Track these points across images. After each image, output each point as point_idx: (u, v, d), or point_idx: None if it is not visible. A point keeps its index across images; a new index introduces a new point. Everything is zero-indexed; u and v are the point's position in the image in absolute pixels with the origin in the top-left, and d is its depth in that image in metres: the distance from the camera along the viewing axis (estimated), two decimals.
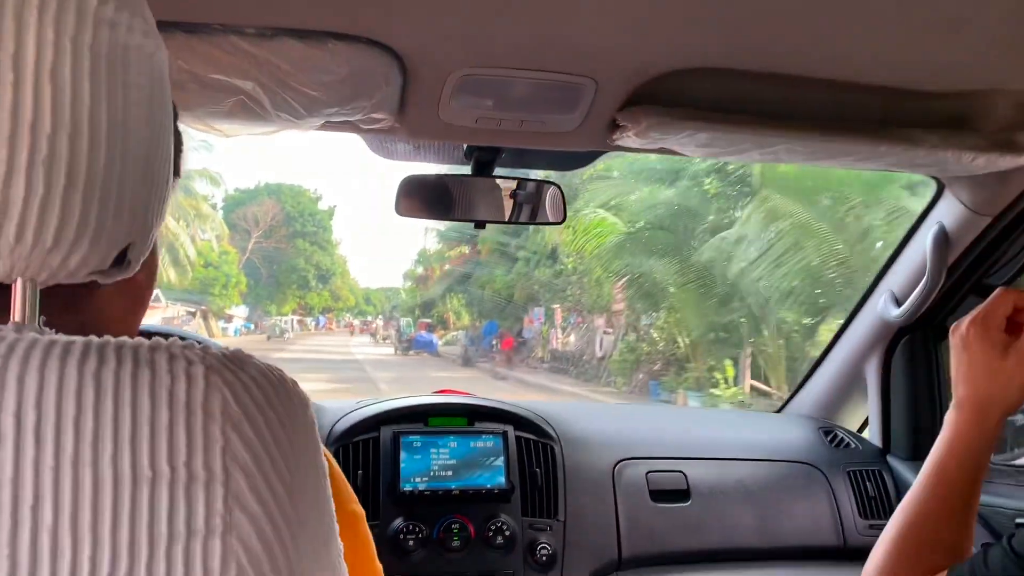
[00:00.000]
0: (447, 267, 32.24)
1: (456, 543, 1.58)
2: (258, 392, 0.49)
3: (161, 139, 0.51)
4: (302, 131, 1.23)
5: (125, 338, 0.48)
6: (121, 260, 0.50)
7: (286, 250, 43.53)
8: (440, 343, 30.59)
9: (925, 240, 1.74)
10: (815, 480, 1.90)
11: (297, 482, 0.49)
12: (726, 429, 2.09)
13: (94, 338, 0.47)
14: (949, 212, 1.70)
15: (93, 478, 0.43)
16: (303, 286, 45.25)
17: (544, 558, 1.62)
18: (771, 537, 1.81)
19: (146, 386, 0.45)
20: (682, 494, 1.80)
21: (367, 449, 1.65)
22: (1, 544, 0.41)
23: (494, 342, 25.87)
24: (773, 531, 1.81)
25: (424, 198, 1.48)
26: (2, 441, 0.42)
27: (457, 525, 1.59)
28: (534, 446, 1.74)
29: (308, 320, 48.78)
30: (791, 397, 2.34)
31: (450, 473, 1.66)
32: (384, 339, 37.80)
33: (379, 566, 0.77)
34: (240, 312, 38.81)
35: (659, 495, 1.79)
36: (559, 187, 1.55)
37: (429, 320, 34.16)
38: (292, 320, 44.74)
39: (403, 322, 33.30)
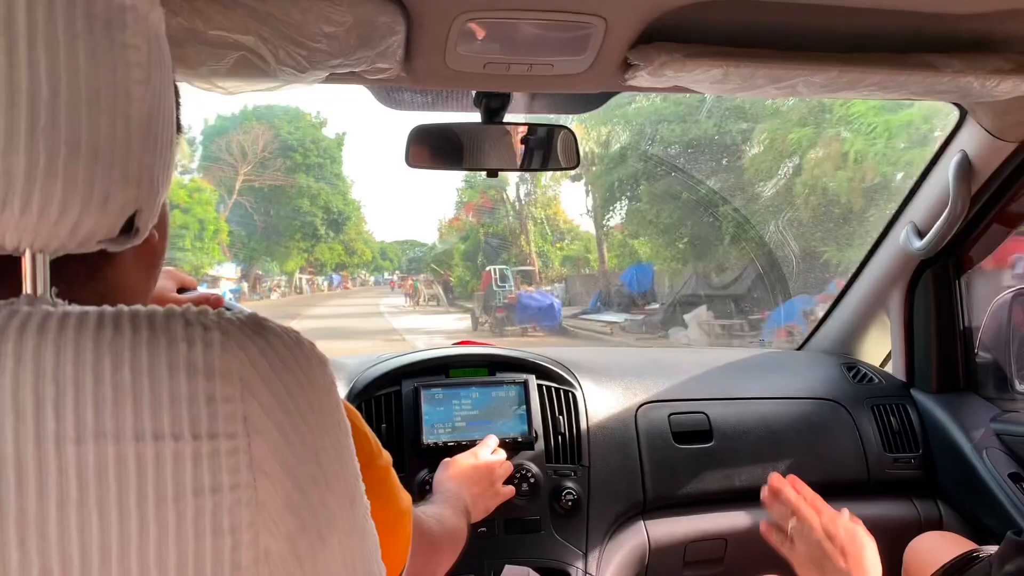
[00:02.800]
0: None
1: None
2: (275, 355, 0.48)
3: (163, 100, 0.50)
4: (307, 85, 1.20)
5: (139, 307, 0.47)
6: (129, 228, 0.49)
7: (285, 189, 33.18)
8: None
9: (947, 169, 1.70)
10: (839, 416, 1.90)
11: (319, 443, 0.49)
12: (747, 369, 2.09)
13: (108, 308, 0.47)
14: (972, 139, 1.66)
15: (116, 448, 0.43)
16: (310, 235, 35.10)
17: (570, 503, 1.63)
18: (797, 474, 1.80)
19: (163, 354, 0.45)
20: (705, 435, 1.81)
21: (389, 403, 1.66)
22: (28, 517, 0.41)
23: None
24: (798, 468, 1.81)
25: (434, 148, 1.46)
26: (22, 415, 0.42)
27: None
28: (556, 393, 1.74)
29: (319, 279, 39.85)
30: (812, 333, 2.33)
31: (473, 424, 1.66)
32: (429, 300, 30.34)
33: (409, 519, 0.78)
34: (227, 272, 29.26)
35: (682, 437, 1.79)
36: (571, 131, 1.52)
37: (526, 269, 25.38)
38: (301, 280, 37.08)
39: (496, 273, 21.62)
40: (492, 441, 1.54)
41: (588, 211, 23.55)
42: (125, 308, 0.47)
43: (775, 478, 1.27)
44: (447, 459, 1.46)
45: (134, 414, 0.43)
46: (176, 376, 0.44)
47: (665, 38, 1.20)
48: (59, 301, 0.49)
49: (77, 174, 0.44)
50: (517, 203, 26.82)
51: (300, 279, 37.27)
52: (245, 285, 30.50)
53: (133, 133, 0.47)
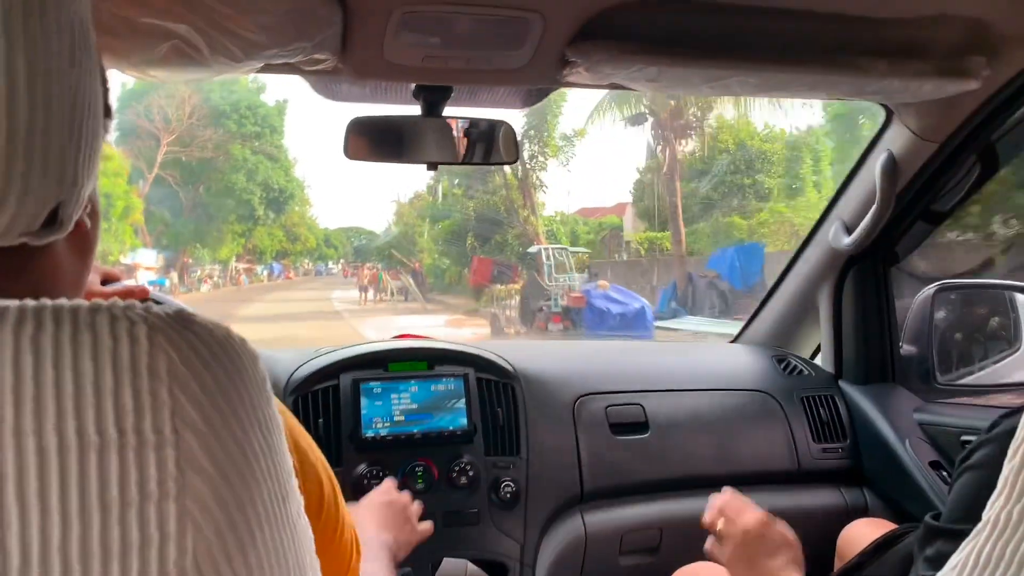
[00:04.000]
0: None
1: (420, 485, 1.59)
2: (204, 350, 0.47)
3: (87, 89, 0.48)
4: (240, 74, 1.18)
5: (63, 301, 0.46)
6: (52, 220, 0.47)
7: (217, 162, 27.65)
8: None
9: (874, 168, 1.76)
10: (770, 407, 1.95)
11: (250, 439, 0.48)
12: (682, 361, 2.13)
13: (30, 302, 0.45)
14: (898, 139, 1.72)
15: (37, 446, 0.42)
16: (247, 217, 29.42)
17: (508, 495, 1.65)
18: (729, 464, 1.85)
19: (88, 349, 0.44)
20: (641, 426, 1.84)
21: (327, 397, 1.64)
22: None
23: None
24: (730, 458, 1.86)
25: (374, 140, 1.45)
26: None
27: (421, 468, 1.60)
28: (495, 386, 1.75)
29: (259, 269, 34.82)
30: (745, 327, 2.38)
31: (412, 417, 1.66)
32: (397, 293, 25.96)
33: (347, 517, 0.77)
34: (145, 259, 24.61)
35: (619, 428, 1.82)
36: (510, 125, 1.53)
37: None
38: (238, 268, 32.05)
39: (551, 259, 15.32)
40: (389, 483, 1.42)
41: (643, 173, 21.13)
42: (48, 302, 0.46)
43: (713, 497, 1.31)
44: (358, 502, 1.36)
45: (57, 411, 0.42)
46: (101, 372, 0.43)
47: (603, 35, 1.21)
48: None
49: (4, 167, 0.43)
50: (519, 168, 21.58)
51: (236, 268, 32.14)
52: (174, 275, 26.39)
53: (53, 122, 0.45)
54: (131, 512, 0.43)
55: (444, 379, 1.71)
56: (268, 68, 1.18)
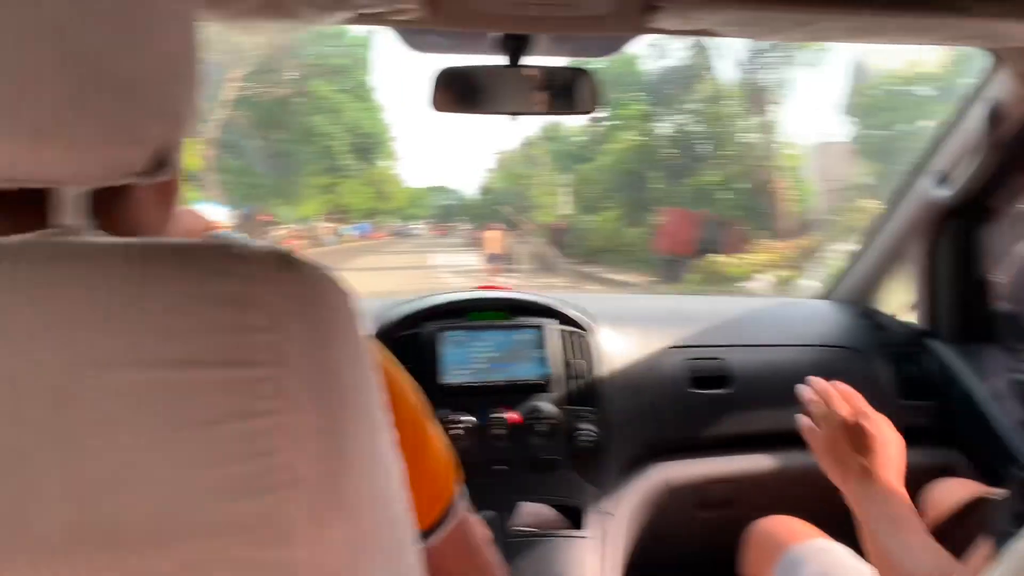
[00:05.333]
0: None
1: (501, 432, 1.62)
2: (305, 288, 0.50)
3: (190, 37, 0.50)
4: (330, 25, 1.20)
5: (172, 238, 0.49)
6: (158, 162, 0.50)
7: (294, 102, 23.02)
8: None
9: (975, 117, 1.68)
10: (857, 364, 1.91)
11: (346, 373, 0.51)
12: (767, 317, 2.10)
13: (140, 239, 0.48)
14: (1003, 87, 1.63)
15: (149, 374, 0.44)
16: (330, 168, 25.23)
17: (587, 444, 1.66)
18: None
19: (195, 284, 0.46)
20: (723, 380, 1.82)
21: (409, 344, 1.68)
22: (65, 439, 0.43)
23: None
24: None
25: (459, 91, 1.45)
26: (57, 341, 0.44)
27: (501, 415, 1.64)
28: (574, 337, 1.76)
29: (345, 228, 30.91)
30: (835, 283, 2.33)
31: (491, 365, 1.69)
32: (532, 262, 20.26)
33: (443, 457, 0.80)
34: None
35: (699, 382, 1.81)
36: (591, 74, 1.51)
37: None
38: (324, 228, 28.31)
39: None
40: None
41: None
42: (162, 240, 0.48)
43: (814, 380, 1.25)
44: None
45: (166, 341, 0.45)
46: (208, 305, 0.46)
47: None
48: (99, 232, 0.51)
49: (107, 106, 0.45)
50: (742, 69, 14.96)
51: (323, 227, 28.58)
52: (246, 236, 21.64)
53: (163, 68, 0.47)
54: (237, 440, 0.45)
55: (524, 329, 1.73)
56: (357, 18, 1.20)
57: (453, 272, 19.28)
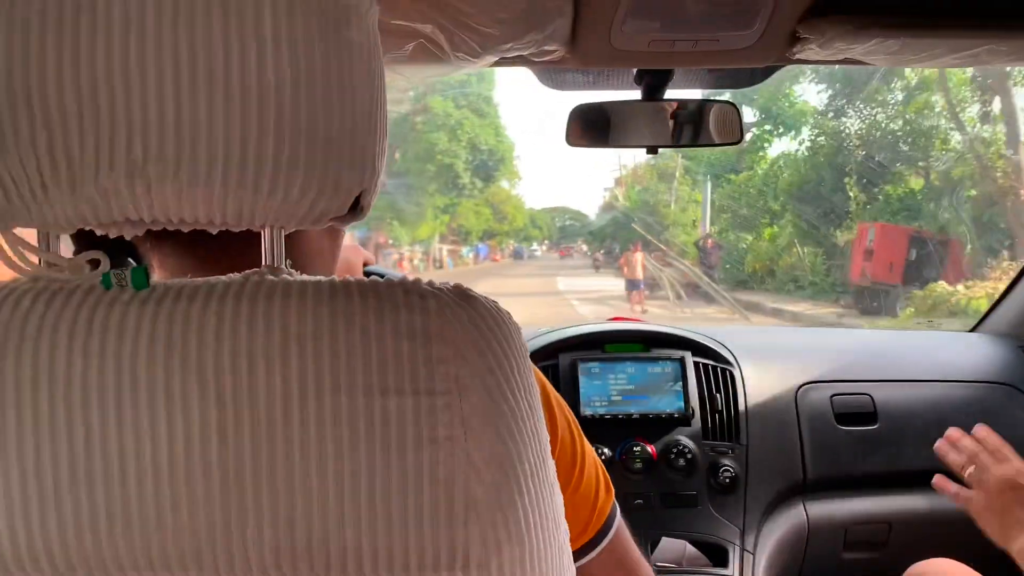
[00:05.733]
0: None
1: (638, 465, 1.61)
2: (482, 322, 0.53)
3: (380, 92, 0.54)
4: (476, 69, 1.25)
5: (363, 277, 0.53)
6: (355, 206, 0.54)
7: (412, 119, 22.46)
8: None
9: None
10: (1015, 401, 1.80)
11: (518, 403, 0.53)
12: (915, 351, 2.00)
13: (336, 278, 0.53)
14: None
15: (349, 401, 0.48)
16: (449, 187, 24.13)
17: (727, 480, 1.63)
18: None
19: (387, 319, 0.50)
20: (869, 417, 1.75)
21: (547, 375, 1.70)
22: (276, 463, 0.47)
23: None
24: None
25: (594, 126, 1.48)
26: (272, 370, 0.48)
27: (638, 448, 1.63)
28: (713, 371, 1.74)
29: (464, 250, 29.07)
30: (987, 315, 2.20)
31: (629, 398, 1.68)
32: (679, 292, 16.90)
33: (598, 476, 0.81)
34: None
35: (845, 418, 1.75)
36: (734, 105, 1.51)
37: None
38: (441, 250, 26.63)
39: None
40: None
41: None
42: (351, 278, 0.53)
43: (953, 429, 1.22)
44: None
45: (364, 371, 0.48)
46: (399, 339, 0.49)
47: (836, 9, 1.16)
48: (293, 272, 0.55)
49: (316, 160, 0.49)
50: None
51: (440, 249, 26.79)
52: None
53: (358, 122, 0.51)
54: (423, 465, 0.48)
55: (661, 361, 1.72)
56: (501, 61, 1.24)
57: (582, 299, 17.77)
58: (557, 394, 0.79)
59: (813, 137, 15.90)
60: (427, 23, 1.07)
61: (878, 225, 12.58)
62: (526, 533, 0.52)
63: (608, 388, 1.69)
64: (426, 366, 0.49)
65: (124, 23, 0.44)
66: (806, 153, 15.93)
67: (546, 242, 38.82)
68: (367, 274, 1.08)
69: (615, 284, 19.13)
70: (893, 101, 14.49)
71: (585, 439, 0.81)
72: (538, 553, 0.53)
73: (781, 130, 16.97)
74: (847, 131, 15.01)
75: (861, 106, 14.97)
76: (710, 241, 17.73)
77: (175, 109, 0.45)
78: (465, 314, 0.52)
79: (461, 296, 0.53)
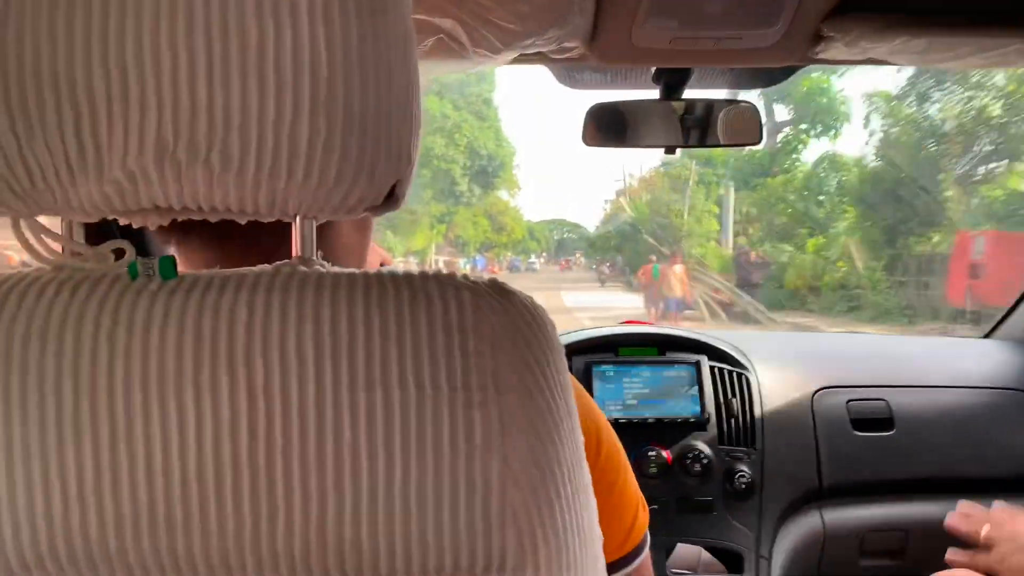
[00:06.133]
0: None
1: (653, 470, 1.59)
2: (519, 317, 0.51)
3: (414, 80, 0.52)
4: (495, 66, 1.23)
5: (396, 269, 0.51)
6: (390, 196, 0.52)
7: None
8: None
9: None
10: None
11: (555, 401, 0.51)
12: (930, 356, 1.99)
13: (370, 270, 0.51)
14: None
15: (384, 396, 0.46)
16: (446, 194, 23.17)
17: (742, 486, 1.61)
18: (983, 465, 1.71)
19: (423, 312, 0.48)
20: (885, 422, 1.73)
21: None
22: (309, 457, 0.45)
23: None
24: (985, 459, 1.72)
25: (612, 126, 1.46)
26: (305, 364, 0.46)
27: (653, 452, 1.61)
28: (728, 375, 1.72)
29: (461, 262, 27.17)
30: (1000, 321, 2.18)
31: (644, 402, 1.66)
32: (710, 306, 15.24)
33: (635, 493, 0.79)
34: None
35: (861, 424, 1.72)
36: (753, 105, 1.49)
37: None
38: (438, 263, 23.21)
39: None
40: None
41: None
42: (385, 271, 0.51)
43: (963, 504, 1.21)
44: None
45: (399, 365, 0.47)
46: (435, 332, 0.48)
47: (861, 7, 1.15)
48: (325, 263, 0.53)
49: (352, 146, 0.47)
50: None
51: (436, 261, 25.34)
52: None
53: (394, 109, 0.49)
54: (460, 463, 0.46)
55: (675, 365, 1.70)
56: (520, 58, 1.22)
57: (595, 318, 13.48)
58: (589, 397, 0.77)
59: (885, 129, 13.56)
60: (447, 18, 1.06)
61: (990, 233, 10.24)
62: (563, 536, 0.50)
63: (623, 392, 1.67)
64: (463, 361, 0.48)
65: (155, 3, 0.43)
66: (876, 146, 13.56)
67: (543, 254, 38.14)
68: None
69: (626, 300, 18.11)
70: (992, 84, 12.04)
71: (623, 452, 0.79)
72: (573, 557, 0.51)
73: (820, 129, 15.42)
74: (931, 119, 12.46)
75: (952, 87, 12.35)
76: (753, 255, 15.61)
77: (207, 91, 0.43)
78: (501, 308, 0.50)
79: (496, 289, 0.51)
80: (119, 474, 0.45)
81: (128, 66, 0.43)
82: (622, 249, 22.49)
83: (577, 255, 34.62)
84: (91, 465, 0.45)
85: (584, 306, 17.61)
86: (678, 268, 15.11)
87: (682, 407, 1.66)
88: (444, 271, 0.52)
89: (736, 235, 17.08)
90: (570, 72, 1.41)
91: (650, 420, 1.64)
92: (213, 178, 0.46)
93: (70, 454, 0.45)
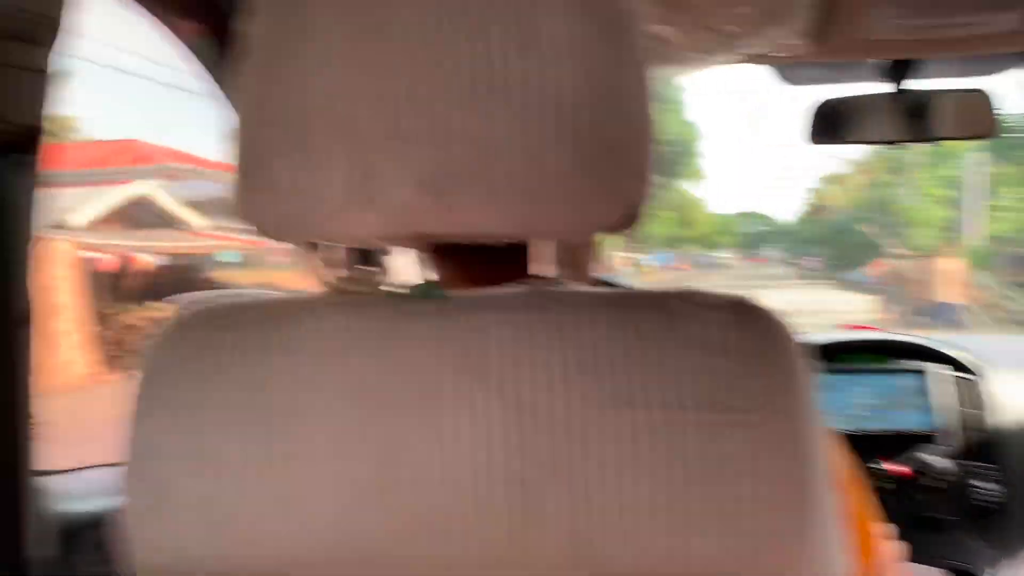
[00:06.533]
0: None
1: (886, 485, 1.50)
2: (777, 337, 0.49)
3: (652, 103, 0.53)
4: (712, 67, 1.21)
5: (644, 288, 0.51)
6: (627, 217, 0.52)
7: None
8: None
9: None
10: None
11: (810, 423, 0.49)
12: None
13: (613, 289, 0.52)
14: None
15: (646, 415, 0.46)
16: None
17: (984, 503, 1.49)
18: None
19: (679, 331, 0.48)
20: None
21: None
22: (574, 467, 0.46)
23: None
24: None
25: (841, 122, 1.39)
26: (561, 381, 0.47)
27: (882, 468, 1.52)
28: (964, 384, 1.59)
29: (641, 258, 24.84)
30: None
31: (868, 412, 1.58)
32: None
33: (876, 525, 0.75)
34: None
35: None
36: (987, 93, 1.37)
37: None
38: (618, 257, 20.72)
39: None
40: None
41: None
42: (628, 290, 0.51)
43: None
44: None
45: (657, 385, 0.46)
46: (692, 352, 0.47)
47: None
48: (563, 281, 0.55)
49: (597, 171, 0.48)
50: None
51: (615, 257, 19.25)
52: None
53: (635, 131, 0.50)
54: (710, 480, 0.46)
55: (904, 374, 1.60)
56: (739, 59, 1.20)
57: (812, 323, 6.21)
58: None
59: None
60: (667, 25, 1.05)
61: None
62: (813, 565, 0.48)
63: (845, 402, 1.59)
64: (718, 381, 0.47)
65: (423, 45, 0.46)
66: None
67: (733, 250, 36.64)
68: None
69: (840, 298, 16.05)
70: None
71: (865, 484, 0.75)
72: None
73: None
74: None
75: None
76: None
77: (471, 124, 0.46)
78: (753, 326, 0.49)
79: (744, 307, 0.50)
80: (393, 486, 0.48)
81: (400, 101, 0.46)
82: (832, 242, 21.06)
83: (770, 250, 32.89)
84: (367, 478, 0.49)
85: (793, 308, 14.62)
86: (955, 263, 12.20)
87: (911, 419, 1.55)
88: (696, 291, 0.51)
89: (994, 223, 14.25)
90: (791, 69, 1.36)
91: (878, 432, 1.55)
92: (478, 206, 0.48)
93: (346, 467, 0.49)
